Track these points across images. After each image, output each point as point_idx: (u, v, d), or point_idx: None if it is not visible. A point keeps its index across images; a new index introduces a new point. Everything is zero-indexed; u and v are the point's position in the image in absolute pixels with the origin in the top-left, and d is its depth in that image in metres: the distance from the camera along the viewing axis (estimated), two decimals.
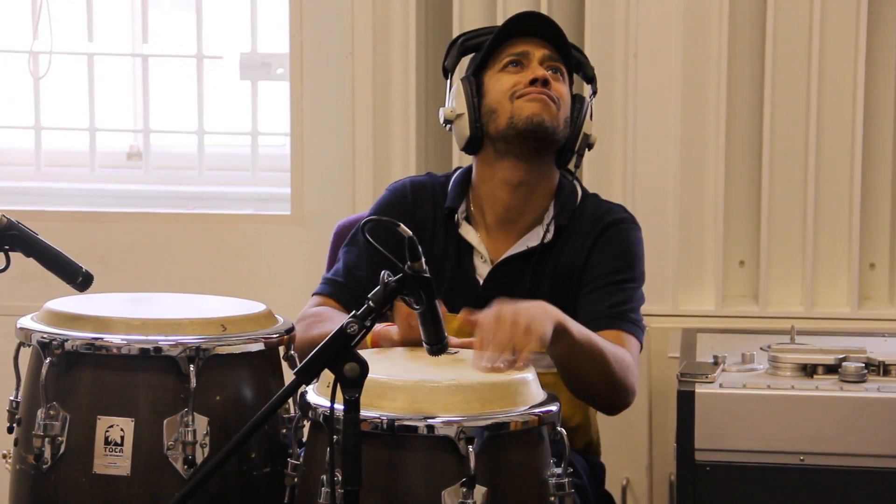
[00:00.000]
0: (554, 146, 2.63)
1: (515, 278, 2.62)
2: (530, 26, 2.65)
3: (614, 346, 2.48)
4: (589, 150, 2.68)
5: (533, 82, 2.59)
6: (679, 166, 3.44)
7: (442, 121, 2.69)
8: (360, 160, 3.55)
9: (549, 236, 2.63)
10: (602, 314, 2.56)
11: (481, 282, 2.64)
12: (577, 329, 2.39)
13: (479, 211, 2.68)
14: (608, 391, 2.48)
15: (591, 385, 2.47)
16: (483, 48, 2.68)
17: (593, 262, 2.62)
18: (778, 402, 2.54)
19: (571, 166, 2.69)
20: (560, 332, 2.33)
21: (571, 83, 2.70)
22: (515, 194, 2.64)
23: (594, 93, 2.74)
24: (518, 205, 2.65)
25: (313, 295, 2.71)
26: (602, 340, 2.45)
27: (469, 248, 2.66)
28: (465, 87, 2.65)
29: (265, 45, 3.98)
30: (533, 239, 2.64)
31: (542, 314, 2.29)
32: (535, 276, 2.62)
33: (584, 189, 2.72)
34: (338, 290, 2.67)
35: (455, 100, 2.66)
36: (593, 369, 2.42)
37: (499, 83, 2.63)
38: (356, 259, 2.68)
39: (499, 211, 2.66)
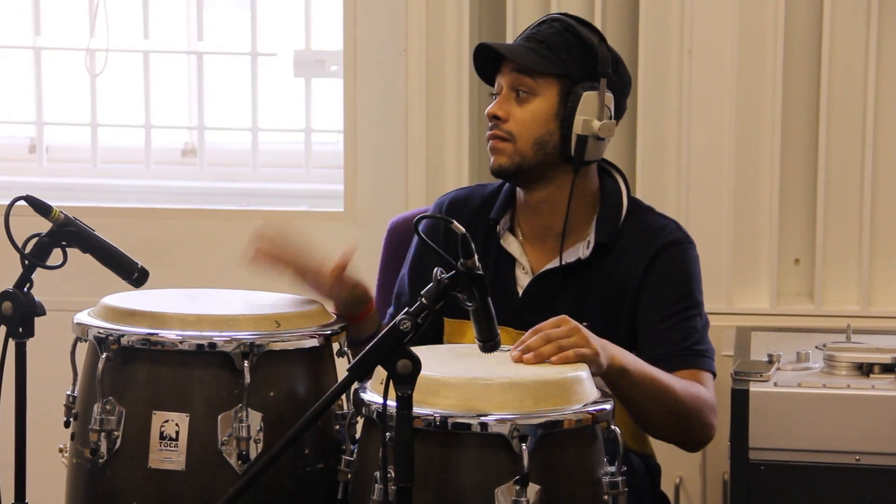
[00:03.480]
0: (533, 173, 2.55)
1: (556, 293, 2.57)
2: (492, 55, 2.57)
3: (687, 383, 2.45)
4: (600, 140, 2.50)
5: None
6: (734, 163, 3.41)
7: None
8: (413, 157, 3.56)
9: (588, 253, 2.57)
10: (671, 354, 2.50)
11: (520, 293, 2.61)
12: (637, 368, 2.36)
13: (519, 223, 2.66)
14: (683, 428, 2.46)
15: (660, 422, 2.44)
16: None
17: (650, 289, 2.55)
18: (833, 402, 2.52)
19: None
20: (617, 370, 2.31)
21: (570, 76, 2.52)
22: (538, 212, 2.60)
23: (601, 73, 2.52)
24: (546, 222, 2.60)
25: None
26: (670, 377, 2.42)
27: (511, 260, 2.63)
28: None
29: (319, 42, 3.99)
30: (573, 255, 2.59)
31: (600, 343, 2.28)
32: (580, 292, 2.57)
33: (631, 201, 2.63)
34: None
35: None
36: (659, 407, 2.40)
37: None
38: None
39: (532, 225, 2.63)
